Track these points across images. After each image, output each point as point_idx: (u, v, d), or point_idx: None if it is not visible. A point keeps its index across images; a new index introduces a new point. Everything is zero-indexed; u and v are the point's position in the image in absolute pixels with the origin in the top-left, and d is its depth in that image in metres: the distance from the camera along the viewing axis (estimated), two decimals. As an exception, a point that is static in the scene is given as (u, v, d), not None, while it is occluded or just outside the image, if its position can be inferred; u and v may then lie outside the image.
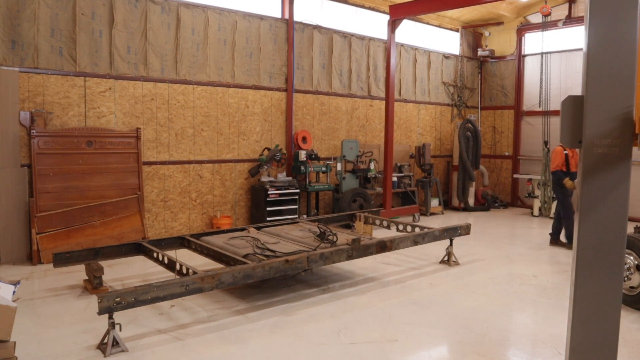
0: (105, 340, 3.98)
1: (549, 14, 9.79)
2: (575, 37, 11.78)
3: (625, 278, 5.13)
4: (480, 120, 13.61)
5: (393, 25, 9.61)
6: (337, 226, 7.47)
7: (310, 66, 9.98)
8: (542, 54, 8.86)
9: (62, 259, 5.45)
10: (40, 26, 6.88)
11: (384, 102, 11.39)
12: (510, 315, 5.10)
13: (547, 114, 11.41)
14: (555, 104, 11.65)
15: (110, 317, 3.95)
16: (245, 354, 4.03)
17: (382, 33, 11.03)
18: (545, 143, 10.56)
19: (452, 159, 12.58)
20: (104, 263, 5.72)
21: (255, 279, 4.82)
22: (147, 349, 4.08)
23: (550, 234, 8.40)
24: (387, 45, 9.84)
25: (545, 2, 10.77)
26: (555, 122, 11.56)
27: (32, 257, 6.65)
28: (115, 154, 7.44)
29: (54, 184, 6.92)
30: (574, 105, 2.49)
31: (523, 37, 12.84)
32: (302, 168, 9.23)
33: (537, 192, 11.36)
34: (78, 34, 7.18)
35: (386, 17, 9.95)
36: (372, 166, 10.24)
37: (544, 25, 8.91)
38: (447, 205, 12.59)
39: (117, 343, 3.99)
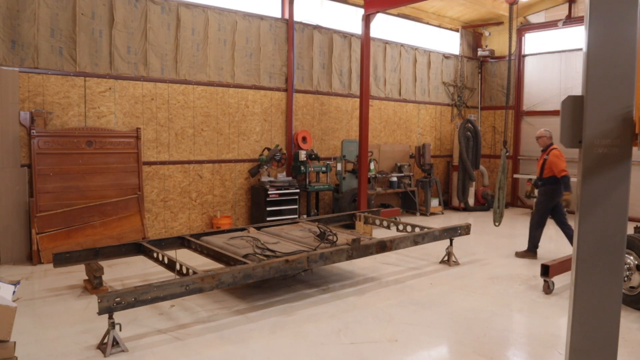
0: (105, 340, 3.98)
1: (516, 2, 9.55)
2: (575, 37, 11.79)
3: (625, 278, 5.13)
4: (480, 120, 13.61)
5: (367, 20, 9.17)
6: (337, 226, 7.47)
7: (310, 66, 9.97)
8: (509, 57, 8.45)
9: (62, 259, 5.45)
10: (40, 26, 6.88)
11: (383, 102, 11.41)
12: (510, 315, 5.10)
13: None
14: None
15: (110, 317, 3.95)
16: (245, 354, 4.03)
17: (382, 33, 11.03)
18: (505, 143, 10.34)
19: (452, 159, 12.58)
20: (104, 263, 5.71)
21: (255, 279, 4.82)
22: (147, 349, 4.08)
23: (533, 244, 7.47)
24: (362, 41, 9.31)
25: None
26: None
27: (32, 257, 6.65)
28: (115, 154, 7.44)
29: (54, 184, 6.92)
30: (574, 105, 2.49)
31: (523, 37, 12.84)
32: (302, 168, 9.23)
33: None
34: (78, 34, 7.18)
35: (386, 17, 9.93)
36: (371, 166, 10.24)
37: (511, 27, 8.57)
38: (447, 205, 12.58)
39: (117, 343, 3.99)
